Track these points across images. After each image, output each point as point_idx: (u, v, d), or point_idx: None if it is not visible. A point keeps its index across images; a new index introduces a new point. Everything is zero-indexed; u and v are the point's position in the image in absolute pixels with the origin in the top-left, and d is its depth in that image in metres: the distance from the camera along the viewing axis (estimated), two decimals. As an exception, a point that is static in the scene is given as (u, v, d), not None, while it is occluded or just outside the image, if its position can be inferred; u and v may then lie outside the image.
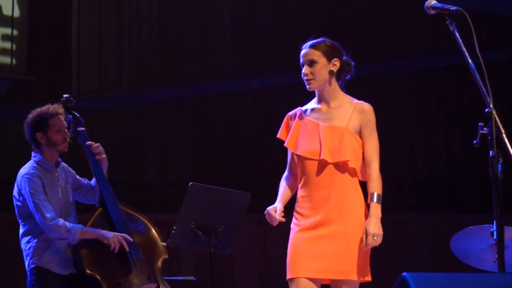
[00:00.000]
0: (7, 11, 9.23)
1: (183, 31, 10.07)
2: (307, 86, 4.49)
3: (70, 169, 5.58)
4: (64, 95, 5.72)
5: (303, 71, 4.47)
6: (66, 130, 5.38)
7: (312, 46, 4.46)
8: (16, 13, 9.29)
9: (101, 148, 5.54)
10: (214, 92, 10.31)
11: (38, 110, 5.40)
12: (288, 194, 4.58)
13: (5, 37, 9.27)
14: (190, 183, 4.86)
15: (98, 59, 9.84)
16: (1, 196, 9.14)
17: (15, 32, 9.31)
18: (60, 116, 5.37)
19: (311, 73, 4.45)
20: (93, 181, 5.57)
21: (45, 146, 5.36)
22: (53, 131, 5.33)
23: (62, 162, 5.50)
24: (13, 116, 9.71)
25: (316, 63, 4.44)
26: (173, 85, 10.08)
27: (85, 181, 5.58)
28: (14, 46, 9.29)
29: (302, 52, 4.49)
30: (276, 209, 4.46)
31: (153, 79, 10.02)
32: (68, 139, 5.37)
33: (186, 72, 10.10)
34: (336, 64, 4.47)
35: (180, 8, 10.06)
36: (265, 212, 4.49)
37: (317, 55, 4.44)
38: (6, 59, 9.24)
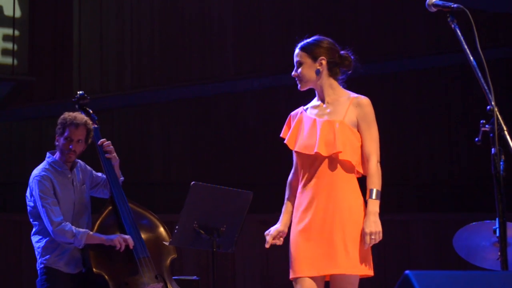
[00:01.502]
0: (8, 12, 9.22)
1: (185, 31, 10.07)
2: (298, 86, 4.60)
3: (88, 167, 5.60)
4: (78, 92, 5.76)
5: (293, 72, 4.59)
6: (79, 142, 5.39)
7: (299, 47, 4.57)
8: (17, 14, 9.28)
9: (111, 146, 5.57)
10: (216, 92, 10.31)
11: (66, 114, 5.45)
12: (292, 204, 4.57)
13: (6, 38, 9.26)
14: (192, 183, 4.85)
15: (100, 59, 9.84)
16: (5, 197, 9.15)
17: (17, 33, 9.30)
18: (79, 127, 5.37)
19: (298, 74, 4.55)
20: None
21: (58, 149, 5.41)
22: (64, 137, 5.36)
23: (80, 161, 5.53)
24: (15, 116, 9.72)
25: (302, 64, 4.53)
26: (174, 85, 10.08)
27: (102, 176, 5.59)
28: (15, 46, 9.28)
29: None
30: (279, 232, 4.52)
31: (155, 79, 10.02)
32: (76, 151, 5.38)
33: (187, 72, 10.10)
34: (322, 63, 4.51)
35: (181, 8, 10.06)
36: (266, 234, 4.54)
37: (302, 56, 4.54)
38: (8, 60, 9.24)
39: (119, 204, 5.42)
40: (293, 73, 4.57)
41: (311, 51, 4.52)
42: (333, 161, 4.41)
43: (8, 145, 9.72)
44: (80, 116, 5.44)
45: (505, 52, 10.46)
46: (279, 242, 4.54)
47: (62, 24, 9.70)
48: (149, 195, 9.41)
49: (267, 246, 4.57)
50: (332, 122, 4.44)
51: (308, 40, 4.58)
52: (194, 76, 10.10)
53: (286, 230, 4.56)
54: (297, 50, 4.56)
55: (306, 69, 4.52)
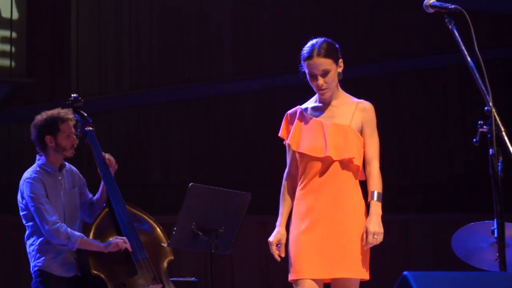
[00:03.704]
0: (6, 13, 9.22)
1: (183, 32, 10.06)
2: (323, 96, 4.43)
3: (81, 176, 5.54)
4: (72, 95, 5.73)
5: (317, 82, 4.37)
6: (74, 136, 5.37)
7: (323, 55, 4.36)
8: (15, 15, 9.29)
9: (112, 160, 5.52)
10: (214, 93, 10.30)
11: (49, 112, 5.37)
12: (290, 207, 4.53)
13: (4, 40, 9.26)
14: (190, 184, 4.85)
15: (98, 60, 9.83)
16: (3, 199, 9.14)
17: (14, 34, 9.30)
18: (70, 121, 5.35)
19: (326, 82, 4.38)
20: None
21: (52, 150, 5.34)
22: (63, 136, 5.32)
23: (69, 165, 5.50)
24: (13, 118, 9.71)
25: (330, 72, 4.38)
26: (173, 86, 10.07)
27: (91, 198, 5.56)
28: (13, 48, 9.28)
29: (311, 62, 4.36)
30: (280, 241, 4.45)
31: (153, 80, 10.01)
32: (75, 145, 5.37)
33: (186, 73, 10.09)
34: (341, 65, 4.44)
35: (180, 9, 10.05)
36: (268, 241, 4.48)
37: (329, 64, 4.37)
38: (6, 62, 9.24)
39: (115, 206, 5.39)
40: (318, 82, 4.37)
41: (334, 56, 4.38)
42: (341, 165, 4.39)
43: (7, 147, 9.72)
44: (64, 110, 5.41)
45: (505, 52, 10.46)
46: (282, 253, 4.49)
47: (60, 26, 9.69)
48: (148, 197, 9.41)
49: (276, 256, 4.50)
50: (341, 126, 4.41)
51: (324, 44, 4.39)
52: (193, 77, 10.10)
53: (285, 231, 4.52)
54: (320, 58, 4.34)
55: (333, 75, 4.39)
